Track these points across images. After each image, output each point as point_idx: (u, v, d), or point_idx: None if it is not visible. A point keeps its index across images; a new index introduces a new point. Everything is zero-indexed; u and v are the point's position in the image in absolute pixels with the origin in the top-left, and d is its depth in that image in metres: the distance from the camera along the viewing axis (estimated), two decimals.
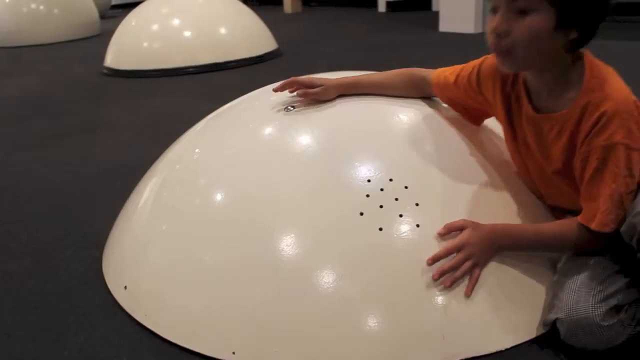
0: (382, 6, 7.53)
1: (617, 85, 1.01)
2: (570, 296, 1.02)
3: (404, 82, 1.33)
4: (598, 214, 1.01)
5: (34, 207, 1.95)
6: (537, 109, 1.09)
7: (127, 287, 1.29)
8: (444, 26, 5.37)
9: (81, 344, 1.19)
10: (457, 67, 1.25)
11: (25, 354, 1.18)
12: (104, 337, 1.21)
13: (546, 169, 1.13)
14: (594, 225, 1.01)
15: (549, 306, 1.07)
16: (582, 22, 0.98)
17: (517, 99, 1.13)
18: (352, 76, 1.36)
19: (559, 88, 1.05)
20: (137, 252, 1.32)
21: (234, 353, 1.08)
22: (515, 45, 0.99)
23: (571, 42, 0.99)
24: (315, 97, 1.31)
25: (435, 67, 1.34)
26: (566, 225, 1.08)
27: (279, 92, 1.37)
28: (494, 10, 1.01)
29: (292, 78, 1.34)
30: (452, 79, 1.24)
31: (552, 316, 1.04)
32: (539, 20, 0.96)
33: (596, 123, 0.99)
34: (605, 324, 0.98)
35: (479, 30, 5.13)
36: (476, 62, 1.20)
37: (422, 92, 1.33)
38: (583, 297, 1.01)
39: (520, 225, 1.14)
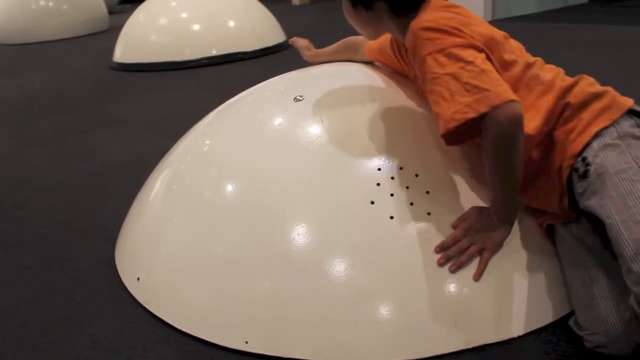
0: None
1: (432, 9, 1.07)
2: (588, 312, 0.97)
3: (344, 43, 1.56)
4: (440, 120, 0.99)
5: (46, 201, 1.96)
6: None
7: (140, 279, 1.30)
8: None
9: (94, 335, 1.20)
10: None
11: (39, 345, 1.19)
12: (117, 328, 1.22)
13: None
14: (441, 131, 0.99)
15: (571, 308, 1.05)
16: None
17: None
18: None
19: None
20: (149, 244, 1.33)
21: (246, 342, 1.09)
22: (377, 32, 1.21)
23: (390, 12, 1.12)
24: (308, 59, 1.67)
25: None
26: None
27: (286, 84, 1.44)
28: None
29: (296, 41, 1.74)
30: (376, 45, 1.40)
31: (576, 329, 1.01)
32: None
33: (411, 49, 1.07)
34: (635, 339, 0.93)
35: (488, 18, 5.09)
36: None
37: (356, 53, 1.51)
38: (606, 313, 0.95)
39: (495, 194, 1.07)
